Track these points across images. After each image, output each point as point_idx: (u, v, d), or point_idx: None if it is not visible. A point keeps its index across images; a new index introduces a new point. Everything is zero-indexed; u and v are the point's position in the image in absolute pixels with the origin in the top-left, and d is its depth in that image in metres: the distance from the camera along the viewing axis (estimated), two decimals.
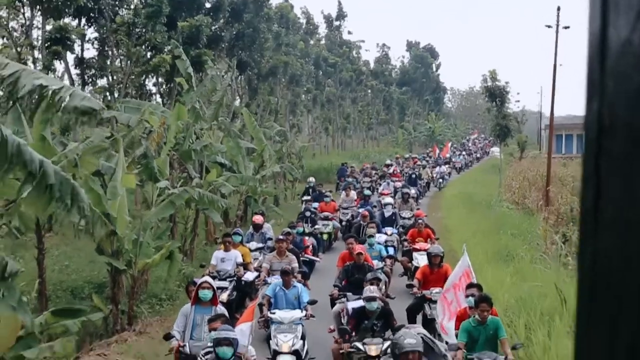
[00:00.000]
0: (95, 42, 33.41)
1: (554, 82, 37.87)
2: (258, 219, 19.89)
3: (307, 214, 24.59)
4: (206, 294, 11.04)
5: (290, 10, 57.92)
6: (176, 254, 16.75)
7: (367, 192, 29.40)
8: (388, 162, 49.87)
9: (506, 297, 14.36)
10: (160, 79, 36.13)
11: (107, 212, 13.82)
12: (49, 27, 29.40)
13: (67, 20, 30.34)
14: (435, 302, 12.99)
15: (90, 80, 33.19)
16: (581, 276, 1.10)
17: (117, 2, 33.25)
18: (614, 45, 1.05)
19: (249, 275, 16.12)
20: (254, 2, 45.31)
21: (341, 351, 11.32)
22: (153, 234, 16.77)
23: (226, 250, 15.90)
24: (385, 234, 21.24)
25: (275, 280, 14.01)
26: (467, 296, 11.24)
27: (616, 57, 1.05)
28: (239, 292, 15.72)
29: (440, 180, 49.51)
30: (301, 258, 17.59)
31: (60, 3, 28.36)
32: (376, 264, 16.20)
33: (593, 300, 1.07)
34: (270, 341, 12.10)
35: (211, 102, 27.88)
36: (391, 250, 19.87)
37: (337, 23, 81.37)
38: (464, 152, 75.85)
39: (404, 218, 23.95)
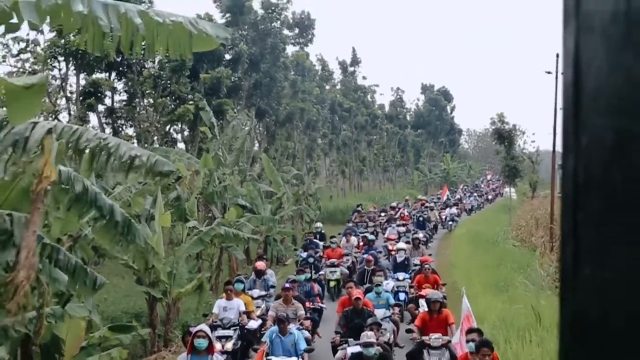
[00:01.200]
0: (124, 93, 35.94)
1: (554, 126, 39.71)
2: (260, 265, 19.58)
3: (310, 260, 22.96)
4: (201, 343, 11.00)
5: (306, 59, 60.38)
6: (205, 285, 18.92)
7: (370, 236, 28.54)
8: (394, 204, 50.14)
9: (493, 318, 16.32)
10: (184, 127, 38.65)
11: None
12: (82, 82, 31.98)
13: (99, 74, 32.91)
14: (434, 347, 12.99)
15: (120, 129, 35.66)
16: (562, 332, 1.10)
17: (144, 57, 35.93)
18: (588, 100, 1.06)
19: (253, 324, 16.05)
20: (271, 52, 47.95)
21: None
22: (185, 268, 18.90)
23: (228, 298, 15.83)
24: (397, 279, 20.96)
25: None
26: (467, 341, 11.19)
27: (588, 112, 1.05)
28: (243, 340, 15.52)
29: (450, 222, 48.64)
30: (311, 306, 17.66)
31: (92, 59, 30.90)
32: (384, 312, 15.94)
33: (574, 351, 1.07)
34: None
35: (232, 149, 30.16)
36: (402, 296, 19.81)
37: (351, 69, 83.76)
38: (475, 194, 75.53)
39: (415, 265, 22.63)
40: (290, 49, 57.31)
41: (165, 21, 6.65)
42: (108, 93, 34.09)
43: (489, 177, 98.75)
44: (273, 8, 50.73)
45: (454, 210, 51.57)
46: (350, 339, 13.53)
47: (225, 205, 26.03)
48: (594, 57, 1.05)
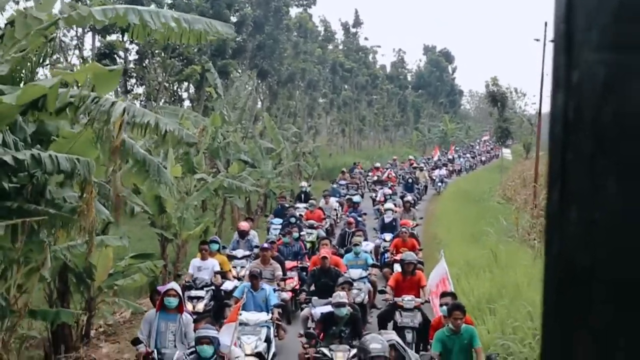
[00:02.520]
0: (135, 54, 38.23)
1: (541, 90, 41.59)
2: (244, 225, 19.49)
3: (292, 220, 22.21)
4: (171, 301, 10.85)
5: (309, 21, 62.30)
6: (210, 229, 21.44)
7: (355, 198, 27.99)
8: (377, 165, 48.51)
9: (461, 262, 18.80)
10: (190, 87, 40.99)
11: (159, 195, 18.46)
12: (97, 43, 34.25)
13: (113, 36, 35.19)
14: (406, 309, 12.96)
15: (131, 88, 38.03)
16: (547, 279, 1.08)
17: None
18: (579, 34, 1.03)
19: (228, 284, 15.66)
20: (274, 15, 50.08)
21: (307, 356, 11.33)
22: (192, 215, 21.33)
23: (203, 258, 15.63)
24: (384, 240, 20.98)
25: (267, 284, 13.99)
26: (441, 305, 11.07)
27: (580, 46, 1.03)
28: (217, 301, 15.20)
29: (440, 184, 47.23)
30: (299, 264, 17.75)
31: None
32: (361, 272, 15.89)
33: (560, 299, 1.06)
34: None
35: (235, 108, 32.49)
36: (388, 256, 19.47)
37: (354, 30, 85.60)
38: (468, 155, 75.04)
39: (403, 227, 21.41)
40: (294, 11, 59.47)
41: (191, 24, 9.20)
42: (121, 54, 36.34)
43: (484, 138, 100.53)
44: None
45: (443, 171, 50.70)
46: (314, 298, 13.66)
47: (229, 160, 28.42)
48: None
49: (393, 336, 10.66)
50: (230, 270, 16.41)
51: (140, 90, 39.07)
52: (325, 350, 10.94)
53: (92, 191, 9.27)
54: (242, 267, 17.34)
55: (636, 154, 0.97)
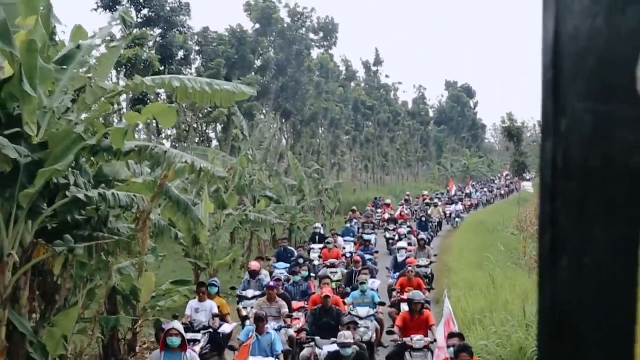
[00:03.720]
0: (167, 99, 40.86)
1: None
2: (254, 265, 19.03)
3: (300, 261, 21.56)
4: (174, 341, 10.87)
5: (330, 61, 64.90)
6: (238, 260, 23.67)
7: (367, 237, 27.87)
8: (388, 201, 46.63)
9: (463, 284, 20.75)
10: (218, 128, 43.58)
11: (193, 229, 20.72)
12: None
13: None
14: (416, 349, 12.89)
15: (163, 130, 40.63)
16: (541, 318, 1.10)
17: (183, 67, 40.83)
18: (567, 83, 1.05)
19: (226, 328, 15.35)
20: (296, 58, 52.78)
21: None
22: (223, 247, 23.54)
23: (201, 300, 15.26)
24: (396, 278, 19.98)
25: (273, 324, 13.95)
26: (448, 346, 10.94)
27: (569, 96, 1.05)
28: (214, 345, 14.73)
29: (457, 219, 46.56)
30: (305, 305, 17.15)
31: (141, 69, 35.74)
32: (368, 310, 15.61)
33: (553, 341, 1.08)
34: None
35: (260, 148, 34.85)
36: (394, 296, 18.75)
37: (374, 69, 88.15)
38: (485, 189, 75.47)
39: (420, 266, 21.65)
40: (316, 52, 62.16)
41: (221, 87, 11.56)
42: (152, 98, 38.96)
43: (505, 172, 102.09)
44: (299, 16, 55.66)
45: (459, 207, 50.10)
46: (317, 338, 13.39)
47: (255, 197, 30.68)
48: (573, 39, 1.03)
49: None
50: (229, 314, 16.10)
51: (170, 132, 41.59)
52: None
53: (147, 222, 11.56)
54: (252, 307, 16.51)
55: (623, 200, 0.97)
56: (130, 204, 10.92)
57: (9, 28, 9.35)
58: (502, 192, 78.90)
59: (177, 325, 11.38)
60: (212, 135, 46.76)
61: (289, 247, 24.66)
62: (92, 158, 11.51)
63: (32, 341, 10.67)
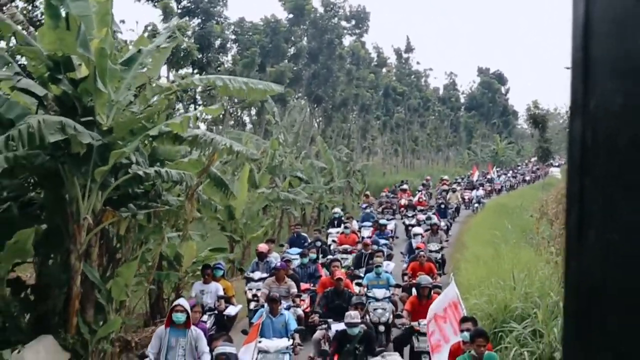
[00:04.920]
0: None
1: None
2: (262, 247, 19.07)
3: (318, 244, 22.00)
4: (179, 317, 10.86)
5: (361, 49, 67.03)
6: (269, 232, 26.14)
7: (383, 221, 27.64)
8: (405, 187, 45.14)
9: (471, 257, 22.95)
10: (252, 113, 46.13)
11: (229, 205, 23.18)
12: (171, 77, 39.42)
13: (185, 70, 40.42)
14: (423, 334, 12.74)
15: (202, 115, 43.24)
16: (567, 293, 1.12)
17: (220, 55, 43.39)
18: (596, 64, 1.07)
19: (232, 310, 15.49)
20: (328, 46, 55.06)
21: None
22: (255, 222, 25.97)
23: (206, 282, 15.31)
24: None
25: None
26: (462, 330, 10.71)
27: (598, 76, 1.06)
28: (219, 326, 14.77)
29: (477, 205, 45.63)
30: (311, 287, 17.47)
31: (180, 57, 38.26)
32: (384, 292, 15.69)
33: (579, 315, 1.09)
34: None
35: (291, 132, 37.24)
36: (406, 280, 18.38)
37: (406, 55, 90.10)
38: (509, 174, 74.74)
39: (431, 251, 21.75)
40: (347, 40, 64.37)
41: (255, 85, 14.07)
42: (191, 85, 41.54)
43: (533, 159, 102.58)
44: (331, 6, 57.90)
45: (480, 192, 49.14)
46: (329, 320, 13.43)
47: (286, 177, 33.15)
48: (602, 21, 1.04)
49: (396, 357, 10.89)
50: (234, 295, 16.11)
51: (208, 116, 44.18)
52: None
53: (194, 195, 14.08)
54: (258, 289, 16.52)
55: None
56: (180, 180, 13.38)
57: (87, 37, 11.80)
58: (528, 177, 78.27)
59: (183, 301, 11.43)
60: (247, 119, 49.59)
61: (302, 233, 24.14)
62: (153, 143, 13.93)
63: (100, 289, 13.21)
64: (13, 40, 15.25)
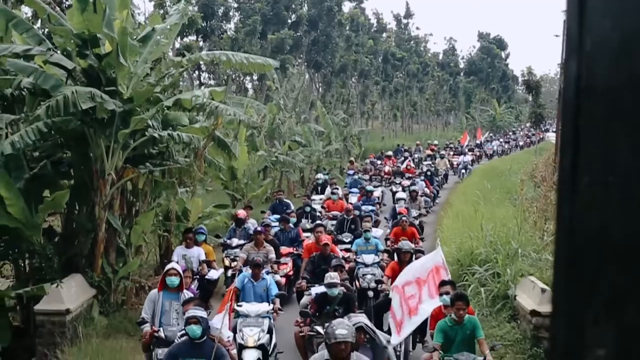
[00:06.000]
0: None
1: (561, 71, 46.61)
2: (241, 213, 18.90)
3: (307, 209, 22.19)
4: (173, 280, 11.03)
5: (360, 15, 68.68)
6: (268, 191, 28.28)
7: (369, 187, 27.84)
8: (389, 153, 44.73)
9: (453, 214, 25.05)
10: (254, 79, 48.07)
11: (232, 165, 25.24)
12: (177, 44, 41.34)
13: (189, 38, 42.37)
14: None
15: (204, 81, 45.29)
16: (559, 241, 1.10)
17: (223, 23, 45.32)
18: (592, 3, 1.04)
19: (214, 274, 15.63)
20: (327, 13, 56.79)
21: (301, 334, 11.38)
22: (255, 182, 28.02)
23: (188, 247, 15.31)
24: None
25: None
26: (440, 294, 10.67)
27: (595, 14, 1.03)
28: (202, 290, 14.83)
29: (463, 170, 44.51)
30: (294, 251, 17.43)
31: (185, 26, 40.12)
32: (373, 258, 15.64)
33: (572, 261, 1.07)
34: (236, 335, 11.63)
35: (290, 97, 39.19)
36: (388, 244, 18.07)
37: (405, 21, 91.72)
38: (500, 139, 75.22)
39: (412, 217, 21.48)
40: (347, 6, 66.01)
41: (254, 60, 16.17)
42: (195, 52, 43.48)
43: (528, 124, 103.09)
44: None
45: (467, 157, 48.19)
46: (316, 285, 13.24)
47: (285, 141, 35.16)
48: None
49: (361, 318, 10.64)
50: (215, 260, 16.21)
51: (211, 82, 46.19)
52: (319, 328, 10.91)
53: (202, 155, 16.29)
54: (235, 256, 16.50)
55: None
56: (189, 142, 15.50)
57: (111, 18, 13.86)
58: (521, 142, 79.10)
59: (176, 265, 11.60)
60: (249, 85, 51.59)
61: (285, 200, 23.74)
62: (165, 110, 16.01)
63: (121, 234, 15.43)
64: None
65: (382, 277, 14.52)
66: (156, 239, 18.49)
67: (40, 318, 13.24)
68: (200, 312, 9.37)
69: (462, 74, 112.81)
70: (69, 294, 13.53)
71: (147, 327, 10.82)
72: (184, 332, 9.63)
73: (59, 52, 14.61)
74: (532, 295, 13.61)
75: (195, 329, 9.15)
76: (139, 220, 15.59)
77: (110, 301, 15.02)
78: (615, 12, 1.01)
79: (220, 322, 10.06)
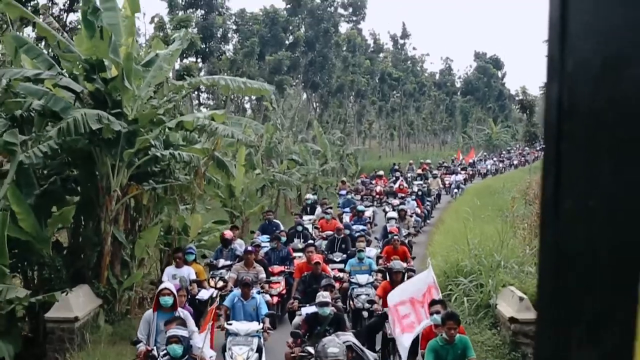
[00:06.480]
0: (207, 73, 46.39)
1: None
2: (228, 233, 18.70)
3: (299, 228, 22.04)
4: (167, 300, 11.05)
5: (357, 36, 69.66)
6: (264, 208, 29.20)
7: (360, 207, 27.56)
8: (380, 172, 44.28)
9: (444, 230, 25.95)
10: (252, 99, 49.12)
11: (230, 184, 26.18)
12: (176, 66, 42.38)
13: (189, 60, 43.40)
14: None
15: (203, 101, 46.33)
16: (542, 262, 1.11)
17: (222, 45, 46.42)
18: (574, 26, 1.05)
19: (204, 294, 15.37)
20: (324, 35, 57.89)
21: (292, 355, 11.24)
22: (253, 200, 28.93)
23: (178, 266, 15.07)
24: None
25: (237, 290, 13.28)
26: (431, 313, 10.61)
27: (576, 38, 1.04)
28: (192, 310, 13.95)
29: (456, 190, 44.44)
30: (285, 269, 17.41)
31: (185, 47, 41.21)
32: (367, 278, 15.64)
33: (556, 282, 1.08)
34: (225, 353, 11.80)
35: (288, 117, 40.27)
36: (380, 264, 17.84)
37: (402, 41, 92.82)
38: (494, 158, 75.50)
39: (403, 236, 21.20)
40: (344, 27, 67.03)
41: (251, 85, 17.19)
42: (195, 74, 44.53)
43: (523, 143, 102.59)
44: None
45: (459, 177, 47.89)
46: (307, 305, 13.16)
47: (282, 160, 36.10)
48: None
49: (350, 337, 10.67)
50: (206, 279, 16.01)
51: (210, 102, 47.25)
52: (310, 349, 10.77)
53: (201, 173, 17.30)
54: (221, 277, 16.56)
55: (631, 140, 0.96)
56: (189, 161, 16.51)
57: (117, 45, 14.86)
58: (516, 161, 79.15)
59: (169, 285, 11.64)
60: (247, 105, 52.63)
61: (274, 220, 23.42)
62: (166, 131, 16.96)
63: (125, 247, 16.37)
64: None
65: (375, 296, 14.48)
66: (157, 252, 19.33)
67: (51, 325, 14.12)
68: (182, 332, 9.62)
69: (458, 93, 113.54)
70: (77, 303, 14.45)
71: (142, 347, 10.91)
72: (165, 351, 9.85)
73: (66, 75, 15.56)
74: (512, 304, 14.52)
75: (177, 348, 9.41)
76: (143, 235, 16.55)
77: (115, 310, 15.96)
78: (597, 34, 1.02)
79: (202, 342, 10.33)
